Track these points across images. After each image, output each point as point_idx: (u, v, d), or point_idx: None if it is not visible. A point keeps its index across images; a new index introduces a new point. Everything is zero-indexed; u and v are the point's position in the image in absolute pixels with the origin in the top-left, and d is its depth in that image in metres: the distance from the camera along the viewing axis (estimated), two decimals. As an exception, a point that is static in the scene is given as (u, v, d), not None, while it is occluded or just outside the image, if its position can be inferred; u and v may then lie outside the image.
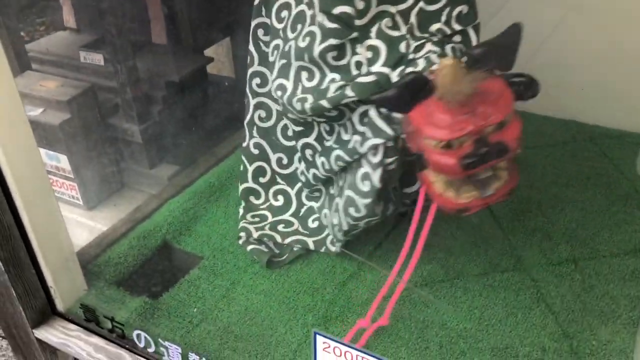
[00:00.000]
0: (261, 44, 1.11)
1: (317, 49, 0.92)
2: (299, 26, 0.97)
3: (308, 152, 1.11)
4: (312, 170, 1.13)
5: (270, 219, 1.21)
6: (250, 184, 1.23)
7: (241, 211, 1.24)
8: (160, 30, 1.59)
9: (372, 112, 0.92)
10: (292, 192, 1.23)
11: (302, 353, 0.99)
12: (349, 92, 0.91)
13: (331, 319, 1.05)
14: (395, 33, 0.91)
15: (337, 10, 0.90)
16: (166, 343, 0.98)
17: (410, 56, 0.90)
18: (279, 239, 1.18)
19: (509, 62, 0.83)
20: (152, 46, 1.63)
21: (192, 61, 1.66)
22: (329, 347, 0.79)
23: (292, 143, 1.16)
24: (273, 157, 1.20)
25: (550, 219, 1.22)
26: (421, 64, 0.88)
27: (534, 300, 1.06)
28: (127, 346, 1.03)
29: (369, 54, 0.92)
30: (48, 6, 1.90)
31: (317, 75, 0.95)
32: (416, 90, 0.82)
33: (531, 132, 1.50)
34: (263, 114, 1.17)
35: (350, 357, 0.78)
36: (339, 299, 1.09)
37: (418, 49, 0.90)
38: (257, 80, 1.14)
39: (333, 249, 1.15)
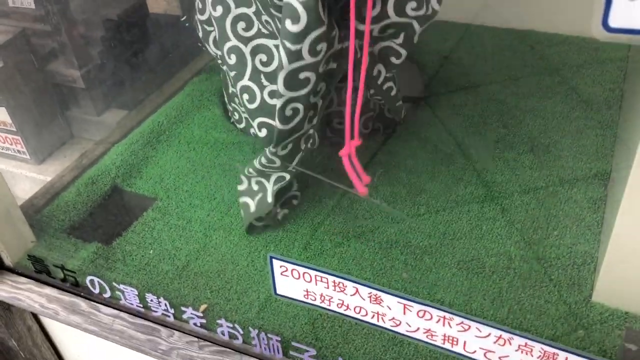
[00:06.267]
0: None
1: None
2: None
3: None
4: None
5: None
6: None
7: None
8: (92, -35, 1.48)
9: None
10: None
11: (264, 284, 0.96)
12: None
13: (294, 247, 1.02)
14: None
15: None
16: (121, 286, 0.93)
17: None
18: None
19: None
20: (85, -17, 1.52)
21: (129, -3, 1.56)
22: (287, 270, 0.75)
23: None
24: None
25: (511, 130, 1.19)
26: None
27: (499, 211, 1.03)
28: (81, 294, 0.98)
29: None
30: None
31: None
32: None
33: (476, 43, 1.46)
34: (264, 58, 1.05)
35: (310, 278, 0.75)
36: (301, 229, 1.05)
37: None
38: (242, 25, 1.03)
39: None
